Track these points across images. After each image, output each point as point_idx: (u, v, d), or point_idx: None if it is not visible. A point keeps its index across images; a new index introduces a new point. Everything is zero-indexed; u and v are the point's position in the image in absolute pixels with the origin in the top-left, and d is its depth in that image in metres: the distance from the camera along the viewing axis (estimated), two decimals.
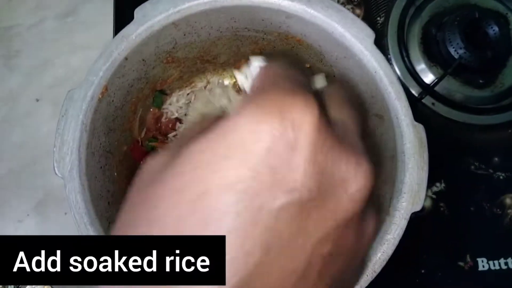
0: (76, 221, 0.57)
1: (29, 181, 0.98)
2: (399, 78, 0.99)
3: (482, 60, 0.96)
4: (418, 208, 0.55)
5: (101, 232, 0.57)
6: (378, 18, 1.06)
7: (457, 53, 0.96)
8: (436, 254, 0.91)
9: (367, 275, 0.55)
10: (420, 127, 0.59)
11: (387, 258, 0.56)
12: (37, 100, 1.04)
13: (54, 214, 0.95)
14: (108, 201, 0.65)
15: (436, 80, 0.96)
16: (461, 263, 0.90)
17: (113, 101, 0.67)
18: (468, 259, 0.91)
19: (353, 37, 0.58)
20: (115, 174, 0.71)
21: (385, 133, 0.63)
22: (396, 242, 0.56)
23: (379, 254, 0.56)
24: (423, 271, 0.90)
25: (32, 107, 1.03)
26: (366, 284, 0.56)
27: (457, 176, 0.96)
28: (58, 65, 1.06)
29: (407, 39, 1.03)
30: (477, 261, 0.90)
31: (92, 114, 0.62)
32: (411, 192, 0.56)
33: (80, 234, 0.55)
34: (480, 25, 0.98)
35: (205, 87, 0.88)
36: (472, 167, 0.97)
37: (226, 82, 0.90)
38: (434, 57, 1.02)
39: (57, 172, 0.59)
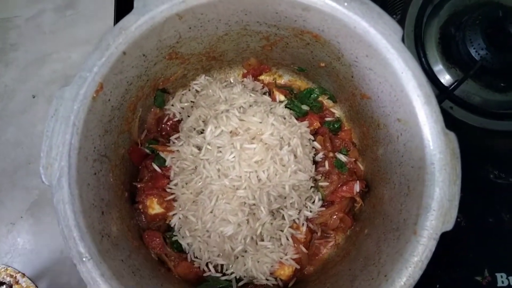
0: (64, 235, 0.50)
1: (24, 181, 0.94)
2: None
3: (505, 62, 0.91)
4: (449, 227, 0.49)
5: (92, 248, 0.51)
6: (394, 16, 1.00)
7: (478, 54, 0.91)
8: (452, 268, 0.86)
9: None
10: (452, 136, 0.53)
11: (413, 283, 0.49)
12: (34, 97, 0.99)
13: (48, 217, 0.91)
14: (101, 210, 0.59)
15: (456, 83, 0.91)
16: (478, 278, 0.85)
17: (109, 100, 0.60)
18: (486, 273, 0.86)
19: (378, 33, 0.52)
20: (111, 180, 0.65)
21: (410, 140, 0.57)
22: (424, 265, 0.50)
23: (404, 279, 0.50)
24: (438, 286, 0.85)
25: (28, 104, 0.99)
26: None
27: (475, 185, 0.90)
28: (57, 60, 1.01)
29: (424, 39, 0.97)
30: (495, 276, 0.85)
31: (85, 115, 0.55)
32: (442, 209, 0.49)
33: (68, 249, 0.49)
34: (503, 24, 0.92)
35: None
36: (491, 175, 0.92)
37: (232, 79, 0.85)
38: (452, 58, 0.96)
39: (44, 180, 0.52)
